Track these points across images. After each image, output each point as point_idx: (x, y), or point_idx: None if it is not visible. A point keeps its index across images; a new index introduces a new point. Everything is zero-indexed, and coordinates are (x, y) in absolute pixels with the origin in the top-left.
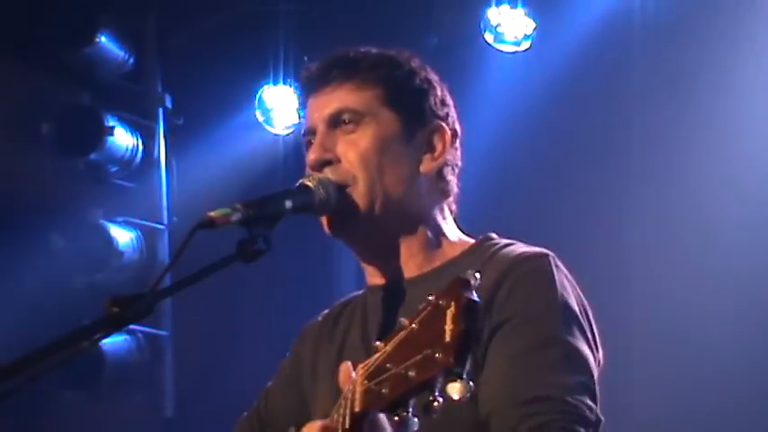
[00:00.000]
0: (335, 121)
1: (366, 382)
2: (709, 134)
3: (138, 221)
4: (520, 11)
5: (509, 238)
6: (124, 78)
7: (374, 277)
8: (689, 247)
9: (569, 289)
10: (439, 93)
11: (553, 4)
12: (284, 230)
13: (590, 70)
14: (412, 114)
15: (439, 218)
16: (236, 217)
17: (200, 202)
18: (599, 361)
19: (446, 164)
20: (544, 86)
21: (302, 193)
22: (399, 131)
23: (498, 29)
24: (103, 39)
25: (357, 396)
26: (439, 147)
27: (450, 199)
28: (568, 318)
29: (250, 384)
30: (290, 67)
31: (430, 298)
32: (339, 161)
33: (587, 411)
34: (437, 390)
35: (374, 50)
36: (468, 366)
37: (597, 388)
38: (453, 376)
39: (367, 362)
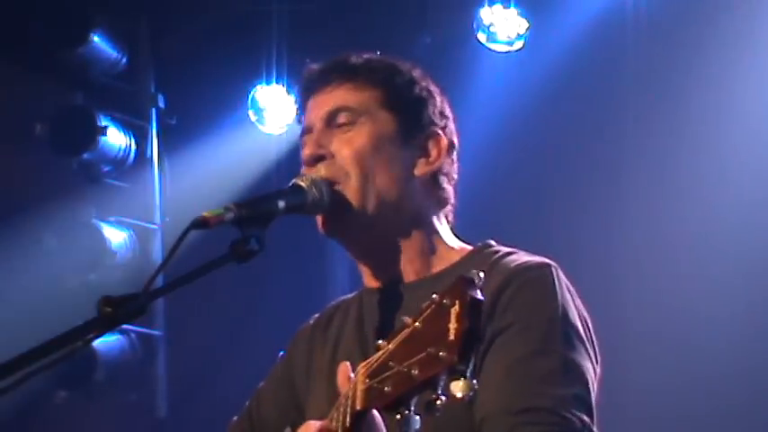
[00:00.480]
0: (332, 120)
1: (368, 380)
2: (702, 133)
3: (131, 221)
4: (513, 11)
5: (502, 241)
6: (117, 78)
7: (371, 280)
8: (682, 247)
9: (570, 300)
10: (438, 103)
11: (546, 3)
12: (278, 231)
13: (583, 70)
14: (409, 119)
15: (436, 224)
16: (228, 217)
17: (192, 202)
18: (597, 374)
19: (441, 171)
20: (537, 86)
21: (295, 194)
22: (395, 133)
23: (491, 28)
24: (96, 39)
25: (358, 394)
26: (434, 153)
27: (448, 208)
28: (568, 329)
29: (243, 384)
30: (283, 67)
31: (434, 296)
32: (333, 157)
33: (579, 425)
34: (440, 388)
35: (376, 56)
36: (471, 365)
37: (594, 401)
38: (457, 374)
39: (369, 360)
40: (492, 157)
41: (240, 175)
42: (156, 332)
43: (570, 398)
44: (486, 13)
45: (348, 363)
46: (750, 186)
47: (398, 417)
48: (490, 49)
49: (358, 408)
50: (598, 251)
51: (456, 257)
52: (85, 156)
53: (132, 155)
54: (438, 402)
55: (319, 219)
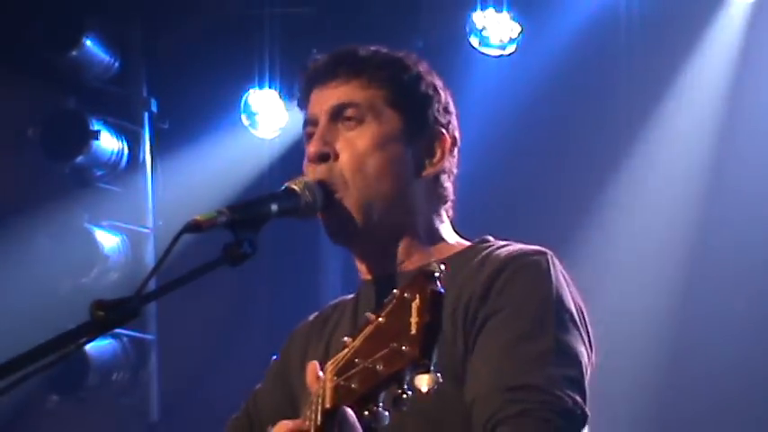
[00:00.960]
0: (338, 115)
1: (335, 378)
2: (696, 134)
3: (123, 225)
4: (505, 15)
5: (504, 241)
6: (110, 82)
7: (366, 273)
8: (677, 245)
9: (565, 286)
10: (443, 99)
11: (538, 7)
12: (270, 234)
13: (575, 74)
14: (415, 118)
15: (437, 222)
16: (221, 220)
17: (185, 206)
18: (592, 361)
19: (444, 170)
20: (529, 90)
21: (288, 197)
22: (400, 133)
23: (484, 33)
24: (89, 42)
25: (327, 393)
26: (438, 153)
27: (448, 204)
28: (562, 312)
29: (235, 388)
30: (276, 72)
31: (395, 291)
32: (336, 159)
33: (571, 404)
34: (405, 382)
35: (383, 51)
36: (435, 358)
37: (587, 384)
38: (421, 368)
39: (336, 358)
40: (484, 160)
41: (233, 178)
42: (148, 336)
43: (563, 378)
44: (479, 17)
45: (316, 362)
46: (745, 184)
47: (367, 413)
48: (483, 54)
49: (327, 406)
50: (592, 252)
51: (453, 250)
52: (78, 160)
53: (125, 159)
54: (404, 397)
55: (322, 221)
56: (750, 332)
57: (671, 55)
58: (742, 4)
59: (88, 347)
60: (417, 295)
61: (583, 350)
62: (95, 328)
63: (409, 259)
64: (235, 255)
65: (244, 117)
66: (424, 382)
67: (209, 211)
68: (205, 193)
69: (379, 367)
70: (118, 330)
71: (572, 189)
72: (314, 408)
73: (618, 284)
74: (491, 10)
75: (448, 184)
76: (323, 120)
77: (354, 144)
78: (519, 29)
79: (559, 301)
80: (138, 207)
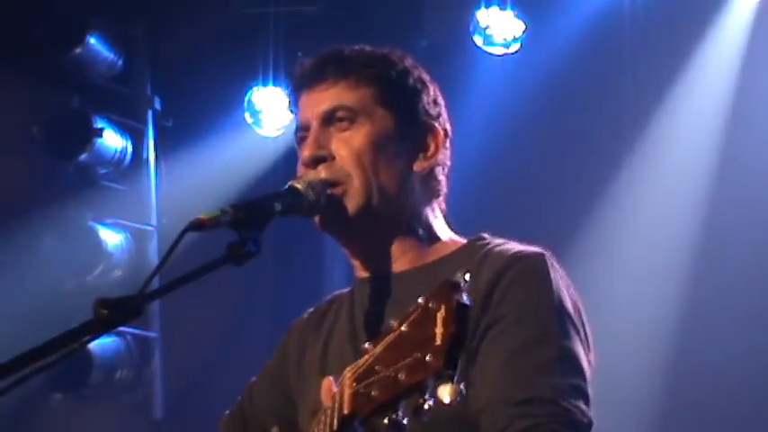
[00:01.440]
0: (330, 119)
1: (355, 384)
2: (699, 133)
3: (127, 223)
4: (509, 13)
5: (501, 238)
6: (113, 80)
7: (362, 271)
8: (680, 244)
9: (564, 289)
10: (431, 92)
11: (542, 6)
12: (274, 232)
13: (579, 72)
14: (405, 114)
15: (431, 216)
16: (225, 219)
17: (189, 204)
18: (591, 361)
19: (438, 163)
20: (533, 88)
21: (291, 196)
22: (393, 130)
23: (487, 31)
24: (93, 41)
25: (345, 399)
26: (432, 146)
27: (441, 198)
28: (563, 318)
29: (239, 386)
30: (280, 69)
31: (420, 300)
32: (333, 158)
33: (578, 414)
34: (427, 392)
35: (368, 49)
36: (458, 369)
37: (590, 390)
38: (444, 379)
39: (355, 364)
40: (488, 158)
41: (237, 177)
42: (152, 334)
43: (568, 387)
44: (483, 16)
45: (331, 378)
46: (750, 182)
47: (386, 421)
48: (487, 52)
49: (345, 412)
50: (597, 250)
51: (449, 249)
52: (82, 158)
53: (129, 157)
54: (426, 407)
55: (317, 218)
56: (757, 331)
57: (675, 53)
58: (746, 2)
59: (92, 345)
60: (443, 306)
61: (583, 354)
62: (99, 325)
63: (404, 257)
64: (239, 253)
65: (247, 115)
66: (446, 392)
67: (212, 209)
68: (209, 192)
69: (402, 376)
70: (122, 328)
71: (576, 187)
72: (330, 413)
73: (622, 283)
74: (495, 8)
75: (441, 177)
76: (315, 124)
77: (350, 143)
78: (523, 27)
79: (560, 306)
80: (141, 205)
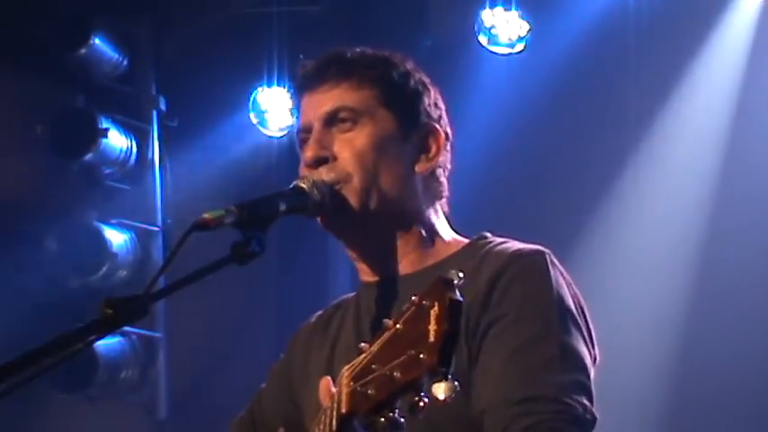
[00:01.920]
0: (332, 120)
1: (352, 383)
2: (705, 132)
3: (132, 223)
4: (514, 13)
5: (504, 237)
6: (118, 80)
7: (367, 275)
8: (685, 243)
9: (565, 286)
10: (432, 94)
11: (547, 5)
12: (279, 233)
13: (584, 72)
14: (407, 115)
15: (433, 218)
16: (229, 219)
17: (194, 204)
18: (595, 358)
19: (439, 165)
20: (538, 88)
21: (296, 195)
22: (395, 131)
23: (492, 31)
24: (97, 41)
25: (343, 398)
26: (433, 148)
27: (443, 200)
28: (564, 315)
29: (244, 386)
30: (284, 69)
31: (413, 298)
32: (335, 159)
33: (581, 410)
34: (422, 390)
35: (370, 51)
36: (452, 366)
37: (593, 386)
38: (438, 376)
39: (352, 363)
40: (493, 159)
41: (241, 177)
42: (156, 334)
43: (570, 384)
44: (488, 16)
45: (329, 378)
46: (754, 182)
47: (383, 420)
48: (491, 52)
49: (343, 411)
50: (601, 248)
51: (451, 250)
52: (87, 158)
53: (133, 157)
54: (421, 404)
55: (320, 218)
56: (762, 330)
57: (680, 53)
58: (751, 1)
59: (97, 345)
60: (436, 303)
61: (586, 350)
62: (104, 325)
63: (407, 259)
64: (243, 253)
65: (252, 115)
66: (441, 390)
67: (217, 209)
68: (213, 191)
69: (397, 374)
70: (126, 328)
71: (581, 185)
72: (329, 413)
73: (626, 281)
74: (500, 8)
75: (443, 179)
76: (317, 125)
77: (353, 143)
78: (527, 27)
79: (560, 304)
80: (146, 205)
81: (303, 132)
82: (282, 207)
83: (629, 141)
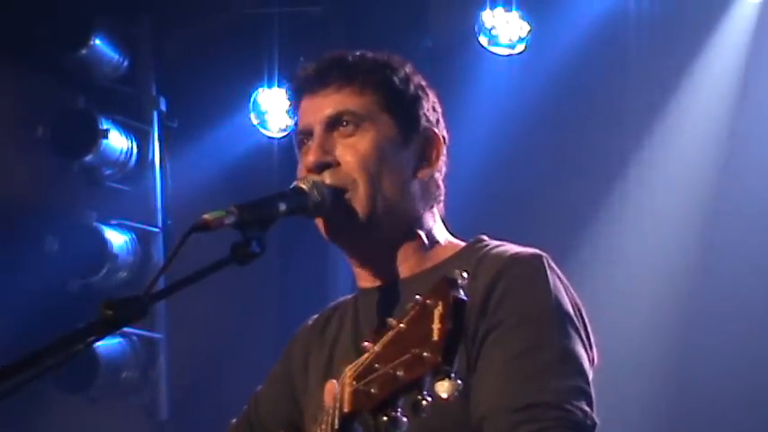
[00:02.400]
0: (334, 123)
1: (354, 382)
2: (705, 134)
3: (132, 224)
4: (514, 14)
5: (501, 240)
6: (119, 81)
7: (366, 280)
8: (685, 245)
9: (563, 290)
10: (431, 98)
11: (548, 6)
12: (280, 233)
13: (585, 73)
14: (407, 120)
15: (431, 221)
16: (230, 220)
17: (194, 205)
18: (593, 360)
19: (438, 170)
20: (539, 89)
21: (296, 196)
22: (396, 137)
23: (493, 32)
24: (98, 42)
25: (346, 397)
26: (433, 153)
27: (441, 204)
28: (562, 319)
29: (244, 387)
30: (285, 70)
31: (417, 298)
32: (338, 164)
33: (581, 416)
34: (425, 389)
35: (370, 54)
36: (456, 365)
37: (593, 390)
38: (441, 375)
39: (355, 363)
40: (493, 160)
41: (241, 177)
42: (157, 335)
43: (571, 390)
44: (488, 17)
45: (335, 381)
46: (755, 185)
47: (385, 418)
48: (492, 53)
49: (346, 410)
50: (602, 251)
51: (448, 253)
52: (87, 159)
53: (134, 158)
54: (424, 403)
55: (320, 223)
56: (759, 333)
57: (680, 54)
58: (751, 3)
59: (97, 346)
60: (440, 302)
61: (584, 354)
62: (104, 326)
63: (406, 263)
64: (243, 254)
65: (253, 116)
66: (444, 389)
67: (217, 210)
68: (214, 192)
69: (400, 373)
70: (127, 329)
71: (581, 188)
72: (331, 412)
73: (626, 284)
74: (500, 9)
75: (440, 182)
76: (318, 129)
77: (356, 148)
78: (528, 28)
79: (558, 308)
80: (146, 206)
81: (302, 134)
82: (282, 208)
83: (629, 142)
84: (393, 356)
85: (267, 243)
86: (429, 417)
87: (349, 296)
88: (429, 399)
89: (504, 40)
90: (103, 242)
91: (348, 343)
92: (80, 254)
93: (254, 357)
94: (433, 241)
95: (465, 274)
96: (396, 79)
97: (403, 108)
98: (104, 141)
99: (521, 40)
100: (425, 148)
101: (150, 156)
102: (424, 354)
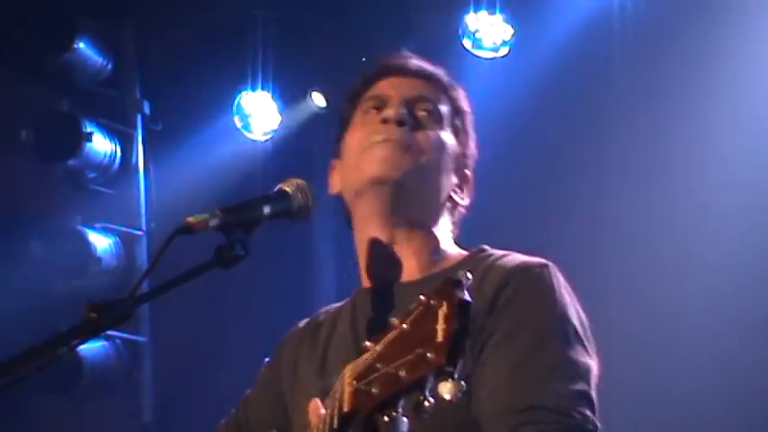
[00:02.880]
0: (413, 105)
1: (355, 382)
2: (689, 136)
3: (116, 227)
4: (498, 17)
5: (492, 244)
6: (102, 84)
7: (368, 280)
8: (669, 247)
9: (568, 299)
10: (472, 125)
11: (531, 9)
12: (265, 237)
13: (568, 76)
14: (464, 146)
15: (446, 233)
16: (214, 222)
17: (178, 208)
18: (595, 368)
19: (466, 207)
20: (523, 92)
21: (280, 199)
22: (456, 153)
23: (476, 35)
24: (82, 45)
25: (346, 396)
26: (467, 189)
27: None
28: (567, 327)
29: (228, 390)
30: (269, 74)
31: (422, 298)
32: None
33: (582, 420)
34: (428, 389)
35: (447, 74)
36: (459, 366)
37: (595, 396)
38: (445, 376)
39: (355, 362)
40: (476, 162)
41: (226, 181)
42: (141, 338)
43: (572, 394)
44: (472, 20)
45: (318, 400)
46: (737, 187)
47: (386, 419)
48: (476, 56)
49: (345, 410)
50: (585, 253)
51: (454, 260)
52: (71, 162)
53: (118, 161)
54: (426, 404)
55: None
56: (763, 335)
57: (664, 57)
58: (738, 5)
59: (81, 349)
60: (444, 303)
61: (589, 362)
62: (88, 329)
63: (410, 267)
64: (227, 257)
65: (237, 119)
66: (447, 389)
67: (201, 212)
68: (198, 195)
69: (402, 373)
70: (111, 332)
71: (564, 192)
72: (329, 411)
73: (613, 290)
74: (484, 12)
75: (463, 213)
76: (396, 102)
77: (427, 133)
78: (512, 31)
79: (563, 316)
80: (130, 209)
81: (373, 100)
82: (266, 211)
83: (613, 145)
84: (395, 356)
85: (252, 246)
86: (431, 418)
87: (341, 302)
88: (431, 400)
89: (487, 43)
90: (87, 245)
91: (345, 343)
92: (64, 257)
93: (237, 360)
94: (442, 248)
95: (469, 275)
96: (464, 106)
97: (464, 136)
98: (88, 144)
99: (504, 43)
100: (463, 181)
101: (134, 159)
102: (428, 354)
